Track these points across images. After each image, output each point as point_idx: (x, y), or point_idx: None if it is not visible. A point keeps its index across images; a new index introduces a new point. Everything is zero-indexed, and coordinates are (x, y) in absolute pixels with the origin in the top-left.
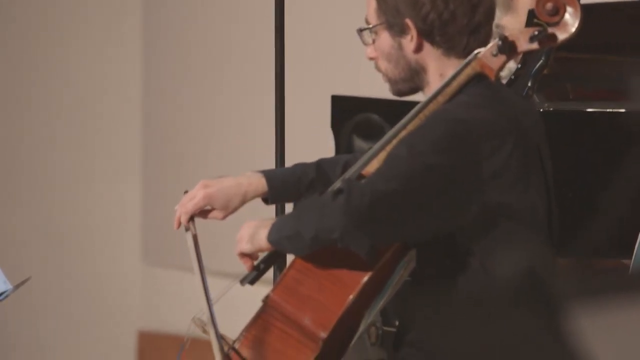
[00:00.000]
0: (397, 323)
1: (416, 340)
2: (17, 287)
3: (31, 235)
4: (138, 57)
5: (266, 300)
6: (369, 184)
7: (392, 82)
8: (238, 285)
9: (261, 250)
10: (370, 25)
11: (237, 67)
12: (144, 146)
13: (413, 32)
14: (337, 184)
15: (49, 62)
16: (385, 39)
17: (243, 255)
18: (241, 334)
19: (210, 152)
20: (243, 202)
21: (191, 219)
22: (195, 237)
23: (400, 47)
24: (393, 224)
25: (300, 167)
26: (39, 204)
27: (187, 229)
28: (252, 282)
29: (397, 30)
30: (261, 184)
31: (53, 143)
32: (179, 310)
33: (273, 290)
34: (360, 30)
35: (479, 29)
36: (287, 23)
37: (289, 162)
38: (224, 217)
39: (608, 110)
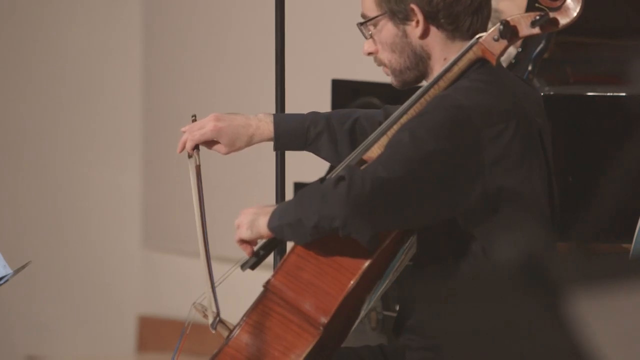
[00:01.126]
0: (397, 308)
1: (417, 326)
2: (17, 271)
3: (31, 220)
4: (138, 41)
5: (267, 285)
6: (371, 172)
7: (397, 72)
8: (239, 270)
9: (261, 237)
10: (372, 17)
11: (237, 51)
12: (144, 131)
13: (419, 16)
14: (339, 171)
15: (50, 48)
16: (388, 29)
17: (242, 241)
18: (242, 319)
19: None
20: (249, 144)
21: (196, 147)
22: (198, 168)
23: (405, 34)
24: (395, 211)
25: (311, 117)
26: (39, 188)
27: (190, 156)
28: (252, 268)
29: (401, 17)
30: (268, 129)
31: (53, 128)
32: (179, 295)
33: (274, 276)
34: (361, 24)
35: (481, 8)
36: (287, 6)
37: None
38: (227, 153)
39: (608, 94)
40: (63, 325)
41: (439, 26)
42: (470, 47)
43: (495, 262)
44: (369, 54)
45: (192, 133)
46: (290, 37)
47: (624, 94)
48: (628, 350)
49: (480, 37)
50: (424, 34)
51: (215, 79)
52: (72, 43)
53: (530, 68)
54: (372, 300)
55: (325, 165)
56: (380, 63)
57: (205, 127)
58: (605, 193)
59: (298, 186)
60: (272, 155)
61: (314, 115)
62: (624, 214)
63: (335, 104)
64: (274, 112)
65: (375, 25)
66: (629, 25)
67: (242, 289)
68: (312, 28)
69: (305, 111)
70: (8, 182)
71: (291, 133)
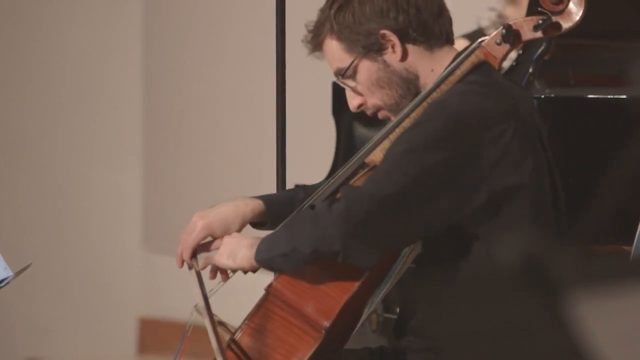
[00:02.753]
0: (397, 310)
1: (418, 327)
2: (18, 274)
3: (32, 222)
4: (139, 41)
5: (269, 288)
6: (368, 189)
7: (394, 107)
8: (240, 272)
9: (243, 270)
10: (348, 65)
11: (237, 53)
12: (144, 132)
13: (393, 39)
14: (329, 192)
15: (50, 48)
16: (367, 68)
17: (218, 268)
18: (243, 322)
19: (210, 139)
20: (243, 224)
21: (194, 255)
22: (199, 274)
23: (386, 64)
24: (397, 228)
25: (289, 190)
26: (39, 190)
27: (190, 267)
28: (254, 270)
29: (376, 49)
30: (257, 204)
31: (54, 129)
32: (180, 297)
33: (276, 279)
34: (342, 77)
35: (441, 11)
36: (288, 7)
37: (290, 149)
38: None
39: (609, 96)
40: (63, 327)
41: (414, 42)
42: (473, 51)
43: (496, 262)
44: (359, 106)
45: (186, 241)
46: (291, 39)
47: (624, 96)
48: (628, 351)
49: (482, 40)
50: (404, 56)
51: (215, 79)
52: (72, 43)
53: (531, 70)
54: (374, 303)
55: (327, 165)
56: (374, 109)
57: (195, 229)
58: (606, 195)
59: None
60: (273, 157)
61: (295, 187)
62: (624, 216)
63: (336, 106)
64: (274, 112)
65: (354, 74)
66: (630, 27)
67: (243, 292)
68: None
69: (305, 112)
70: (8, 182)
71: (279, 203)
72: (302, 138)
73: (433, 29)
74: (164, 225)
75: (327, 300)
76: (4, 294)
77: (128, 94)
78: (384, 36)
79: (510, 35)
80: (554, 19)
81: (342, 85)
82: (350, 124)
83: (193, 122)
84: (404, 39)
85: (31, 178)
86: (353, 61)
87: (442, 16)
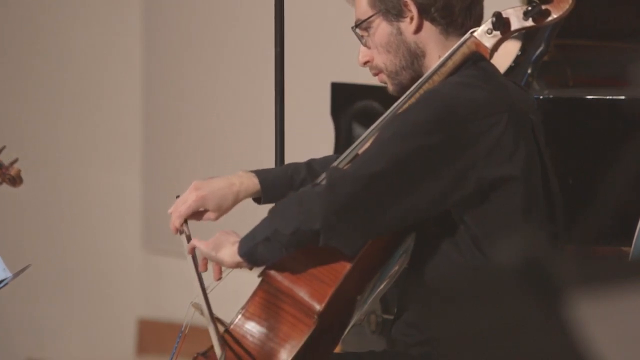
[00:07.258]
0: (396, 311)
1: (414, 322)
2: (16, 274)
3: (31, 223)
4: (139, 43)
5: (263, 275)
6: (353, 169)
7: (393, 74)
8: (236, 272)
9: (223, 265)
10: (366, 18)
11: (236, 54)
12: (144, 133)
13: (413, 9)
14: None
15: (50, 48)
16: (382, 28)
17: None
18: (239, 312)
19: (210, 139)
20: (235, 202)
21: (185, 221)
22: (189, 238)
23: (399, 31)
24: (378, 208)
25: (291, 166)
26: (39, 190)
27: (181, 232)
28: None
29: (395, 13)
30: (253, 183)
31: (53, 129)
32: (179, 297)
33: (269, 266)
34: (356, 26)
35: (474, 5)
36: (287, 9)
37: (288, 150)
38: (217, 218)
39: (608, 97)
40: (63, 328)
41: (432, 20)
42: (464, 42)
43: (490, 260)
44: (365, 62)
45: (178, 210)
46: (290, 40)
47: (623, 97)
48: (627, 351)
49: (474, 31)
50: (418, 29)
51: (215, 79)
52: (72, 43)
53: (530, 71)
54: (368, 302)
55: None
56: (376, 70)
57: (189, 199)
58: (605, 196)
59: None
60: (272, 157)
61: (294, 164)
62: (623, 217)
63: (335, 107)
64: (273, 113)
65: (369, 28)
66: (628, 27)
67: (241, 289)
68: (312, 30)
69: (305, 113)
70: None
71: (276, 183)
72: (301, 138)
73: (456, 16)
74: (164, 226)
75: (319, 285)
76: (4, 294)
77: (128, 94)
78: (405, 4)
79: (500, 23)
80: (544, 6)
81: (355, 34)
82: (349, 125)
83: (193, 123)
84: (423, 13)
85: (31, 178)
86: (371, 16)
87: (471, 9)
